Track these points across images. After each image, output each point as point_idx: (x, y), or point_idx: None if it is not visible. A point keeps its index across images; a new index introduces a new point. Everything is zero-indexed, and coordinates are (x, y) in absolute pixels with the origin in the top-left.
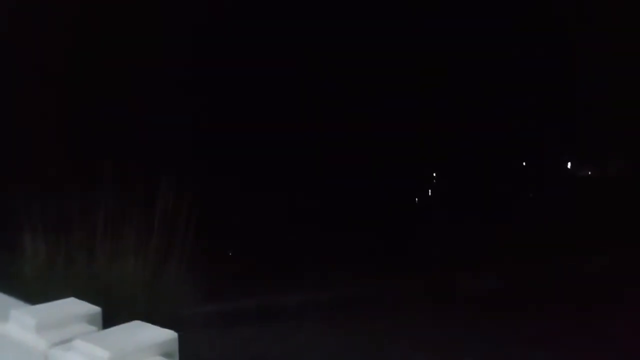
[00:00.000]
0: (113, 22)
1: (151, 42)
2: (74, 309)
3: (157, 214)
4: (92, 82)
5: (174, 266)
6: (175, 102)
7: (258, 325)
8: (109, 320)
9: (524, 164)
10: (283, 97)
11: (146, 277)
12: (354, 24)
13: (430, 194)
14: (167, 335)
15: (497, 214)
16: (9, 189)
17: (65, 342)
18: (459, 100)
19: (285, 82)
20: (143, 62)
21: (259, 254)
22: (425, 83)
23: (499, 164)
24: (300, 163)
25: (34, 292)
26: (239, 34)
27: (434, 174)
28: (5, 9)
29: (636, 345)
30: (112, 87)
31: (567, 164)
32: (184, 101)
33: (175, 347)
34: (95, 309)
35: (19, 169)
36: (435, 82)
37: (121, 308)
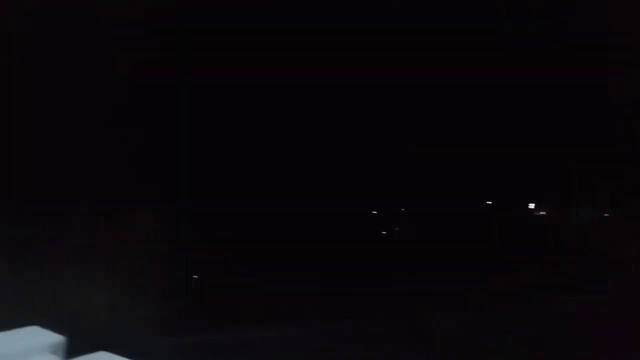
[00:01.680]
0: None
1: None
2: (36, 338)
3: (129, 244)
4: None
5: (142, 297)
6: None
7: (227, 356)
8: (74, 350)
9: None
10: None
11: (112, 305)
12: None
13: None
14: None
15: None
16: None
17: None
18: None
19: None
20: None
21: (230, 287)
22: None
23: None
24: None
25: None
26: None
27: (400, 217)
28: None
29: None
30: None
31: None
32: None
33: None
34: (58, 339)
35: None
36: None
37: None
